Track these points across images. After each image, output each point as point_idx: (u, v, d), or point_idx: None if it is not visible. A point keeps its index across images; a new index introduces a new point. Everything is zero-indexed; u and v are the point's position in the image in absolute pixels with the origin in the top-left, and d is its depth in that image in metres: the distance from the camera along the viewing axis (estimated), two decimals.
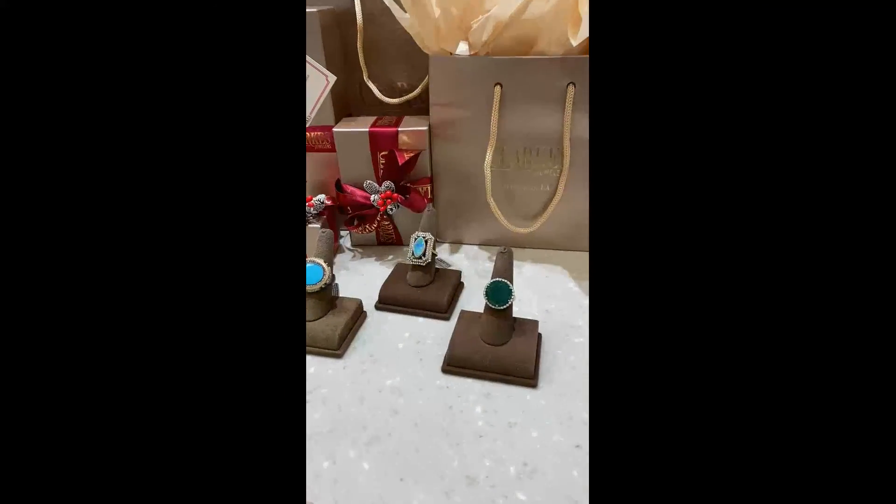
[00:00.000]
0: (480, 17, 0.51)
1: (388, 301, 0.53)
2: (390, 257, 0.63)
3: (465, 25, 0.53)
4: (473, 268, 0.61)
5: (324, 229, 0.50)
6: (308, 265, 0.48)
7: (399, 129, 0.58)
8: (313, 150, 0.64)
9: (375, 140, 0.58)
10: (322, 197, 0.59)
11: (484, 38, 0.52)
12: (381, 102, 0.72)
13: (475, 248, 0.65)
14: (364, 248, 0.66)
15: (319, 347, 0.47)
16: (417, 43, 0.57)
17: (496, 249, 0.64)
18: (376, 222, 0.61)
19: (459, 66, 0.54)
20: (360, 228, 0.61)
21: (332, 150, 0.62)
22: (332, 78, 0.59)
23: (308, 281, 0.48)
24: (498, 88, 0.54)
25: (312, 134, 0.63)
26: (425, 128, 0.58)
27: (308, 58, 0.58)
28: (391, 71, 0.71)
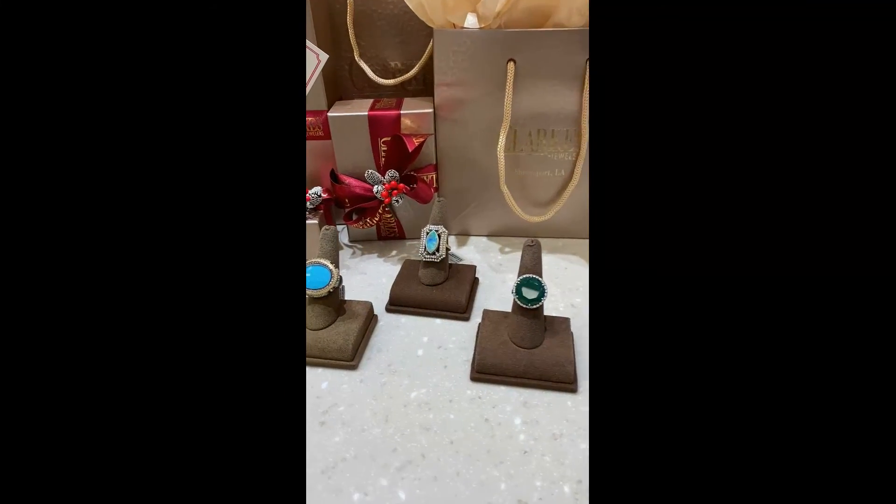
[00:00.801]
0: None
1: (401, 302, 0.48)
2: (394, 253, 0.59)
3: None
4: (486, 261, 0.56)
5: (327, 226, 0.45)
6: (312, 267, 0.43)
7: (401, 112, 0.53)
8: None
9: (376, 125, 0.53)
10: (318, 190, 0.53)
11: (497, 8, 0.47)
12: (372, 84, 0.67)
13: (483, 239, 0.61)
14: (364, 243, 0.61)
15: (331, 359, 0.42)
16: (420, 16, 0.51)
17: (507, 241, 0.60)
18: (378, 215, 0.56)
19: (468, 41, 0.49)
20: (361, 223, 0.56)
21: (326, 137, 0.57)
22: (324, 56, 0.53)
23: (314, 285, 0.43)
24: (511, 65, 0.49)
25: None
26: (430, 110, 0.53)
27: None
28: (383, 49, 0.65)
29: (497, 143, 0.55)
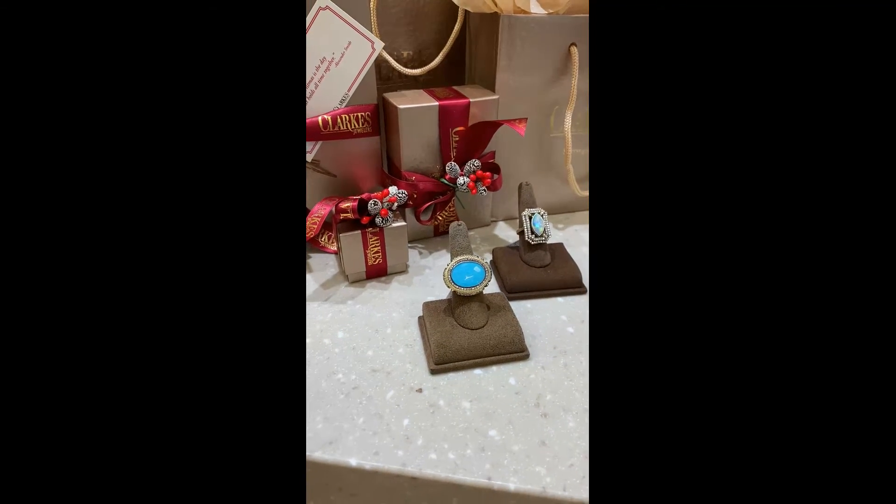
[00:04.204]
0: None
1: (520, 289, 0.48)
2: None
3: None
4: (553, 237, 0.58)
5: (458, 222, 0.43)
6: (465, 264, 0.41)
7: (470, 100, 0.51)
8: (351, 135, 0.53)
9: (447, 115, 0.51)
10: (396, 189, 0.49)
11: None
12: (381, 76, 0.64)
13: None
14: (423, 241, 0.58)
15: (505, 353, 0.40)
16: (480, 7, 0.51)
17: (554, 218, 0.63)
18: (446, 210, 0.54)
19: (536, 27, 0.50)
20: (432, 219, 0.53)
21: (374, 133, 0.53)
22: (380, 44, 0.50)
23: (470, 283, 0.41)
24: (574, 48, 0.52)
25: (351, 115, 0.52)
26: (496, 97, 0.53)
27: (352, 20, 0.48)
28: (396, 38, 0.62)
29: (548, 126, 0.57)
